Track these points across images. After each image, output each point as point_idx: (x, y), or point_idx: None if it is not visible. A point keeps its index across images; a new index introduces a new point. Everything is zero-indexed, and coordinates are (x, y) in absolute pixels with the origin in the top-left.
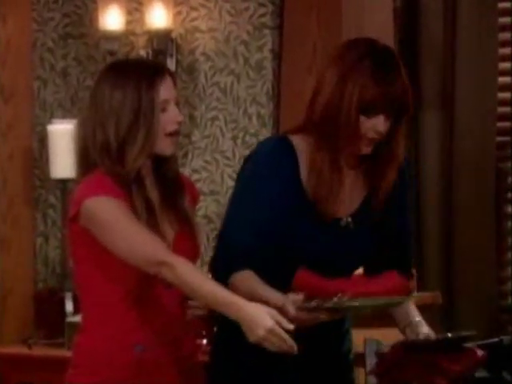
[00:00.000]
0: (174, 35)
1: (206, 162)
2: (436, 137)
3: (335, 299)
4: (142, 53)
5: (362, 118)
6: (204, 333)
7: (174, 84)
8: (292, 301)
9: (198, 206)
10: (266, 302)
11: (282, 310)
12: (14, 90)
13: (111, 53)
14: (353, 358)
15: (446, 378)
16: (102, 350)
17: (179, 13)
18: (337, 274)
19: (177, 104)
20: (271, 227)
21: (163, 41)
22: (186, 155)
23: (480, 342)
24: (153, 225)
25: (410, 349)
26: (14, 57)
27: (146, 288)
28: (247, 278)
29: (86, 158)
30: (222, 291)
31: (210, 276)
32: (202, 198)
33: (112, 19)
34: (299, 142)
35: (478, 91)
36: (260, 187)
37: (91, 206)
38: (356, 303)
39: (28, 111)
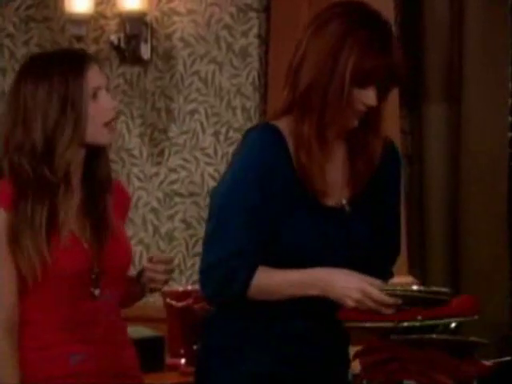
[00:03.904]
0: (148, 18)
1: (185, 160)
2: (442, 132)
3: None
4: (113, 38)
5: (354, 89)
6: (182, 351)
7: (102, 71)
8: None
9: (174, 210)
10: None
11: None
12: None
13: (78, 38)
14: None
15: (453, 378)
16: (34, 364)
17: None
18: (340, 265)
19: (107, 90)
20: (265, 217)
21: (137, 25)
22: (162, 153)
23: (490, 361)
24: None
25: (413, 344)
26: None
27: (70, 305)
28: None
29: None
30: None
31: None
32: (180, 200)
33: (79, 1)
34: (285, 126)
35: (488, 80)
36: (251, 179)
37: None
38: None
39: None
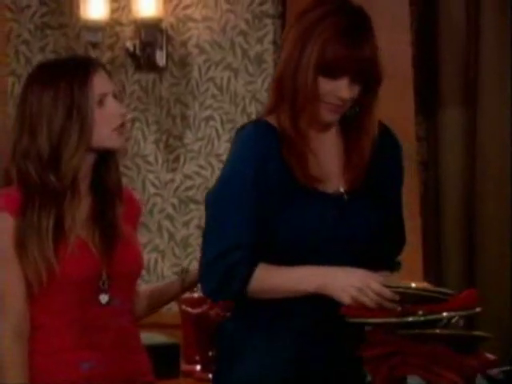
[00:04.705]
0: (164, 25)
1: (200, 166)
2: (457, 138)
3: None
4: (129, 45)
5: (322, 80)
6: (197, 358)
7: (109, 77)
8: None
9: (189, 216)
10: None
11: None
12: None
13: (94, 45)
14: None
15: (457, 373)
16: (44, 368)
17: (170, 0)
18: (341, 259)
19: (115, 96)
20: (262, 212)
21: (152, 31)
22: (177, 159)
23: (498, 370)
24: (68, 239)
25: (416, 339)
26: None
27: (79, 310)
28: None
29: (6, 175)
30: None
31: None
32: (195, 207)
33: (95, 7)
34: (274, 120)
35: (503, 85)
36: (246, 174)
37: None
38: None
39: (1, 109)
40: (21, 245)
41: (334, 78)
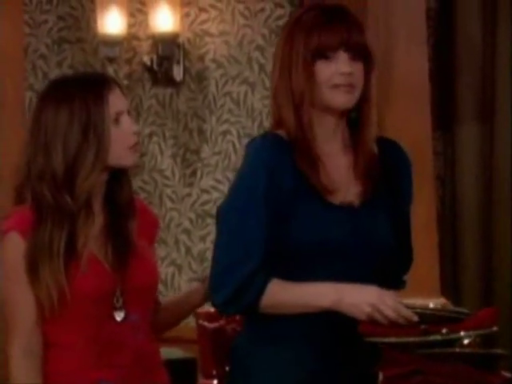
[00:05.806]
0: (181, 40)
1: (217, 181)
2: (474, 153)
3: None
4: (146, 59)
5: (320, 64)
6: (214, 373)
7: (123, 94)
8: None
9: (206, 230)
10: None
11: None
12: (3, 101)
13: (111, 60)
14: None
15: None
16: None
17: (187, 15)
18: (350, 272)
19: (129, 114)
20: (273, 220)
21: (169, 46)
22: (194, 173)
23: None
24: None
25: (435, 358)
26: (2, 64)
27: (96, 328)
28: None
29: (18, 194)
30: None
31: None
32: (212, 221)
33: (112, 22)
34: (283, 132)
35: None
36: (254, 183)
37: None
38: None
39: (18, 124)
40: (33, 268)
41: (330, 55)
